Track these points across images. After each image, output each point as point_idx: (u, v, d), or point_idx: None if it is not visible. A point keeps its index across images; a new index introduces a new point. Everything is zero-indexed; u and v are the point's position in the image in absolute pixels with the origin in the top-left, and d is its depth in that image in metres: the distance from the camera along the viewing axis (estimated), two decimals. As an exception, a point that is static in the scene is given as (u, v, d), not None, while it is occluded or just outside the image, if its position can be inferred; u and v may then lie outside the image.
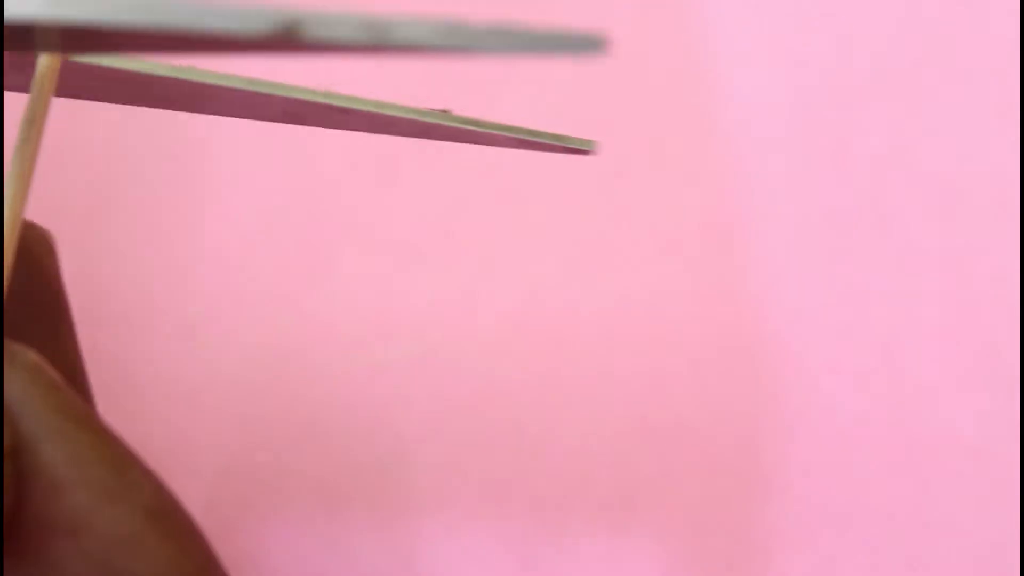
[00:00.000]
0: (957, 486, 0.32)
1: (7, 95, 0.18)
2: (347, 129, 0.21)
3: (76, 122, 0.35)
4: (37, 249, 0.20)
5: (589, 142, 0.21)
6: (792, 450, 0.32)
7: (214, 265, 0.34)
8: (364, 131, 0.21)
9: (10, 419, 0.16)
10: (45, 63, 0.17)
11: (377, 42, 0.12)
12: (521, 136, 0.20)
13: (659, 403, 0.33)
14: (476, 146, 0.36)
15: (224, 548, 0.34)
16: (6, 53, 0.17)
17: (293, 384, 0.34)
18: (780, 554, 0.32)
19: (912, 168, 0.36)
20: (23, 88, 0.18)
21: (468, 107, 0.36)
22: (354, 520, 0.31)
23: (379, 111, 0.19)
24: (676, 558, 0.32)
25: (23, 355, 0.16)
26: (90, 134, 0.36)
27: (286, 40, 0.12)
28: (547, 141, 0.20)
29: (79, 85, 0.19)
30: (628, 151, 0.36)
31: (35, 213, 0.34)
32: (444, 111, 0.20)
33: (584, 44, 0.12)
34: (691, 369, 0.33)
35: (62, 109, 0.36)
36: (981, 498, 0.32)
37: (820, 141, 0.36)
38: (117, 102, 0.20)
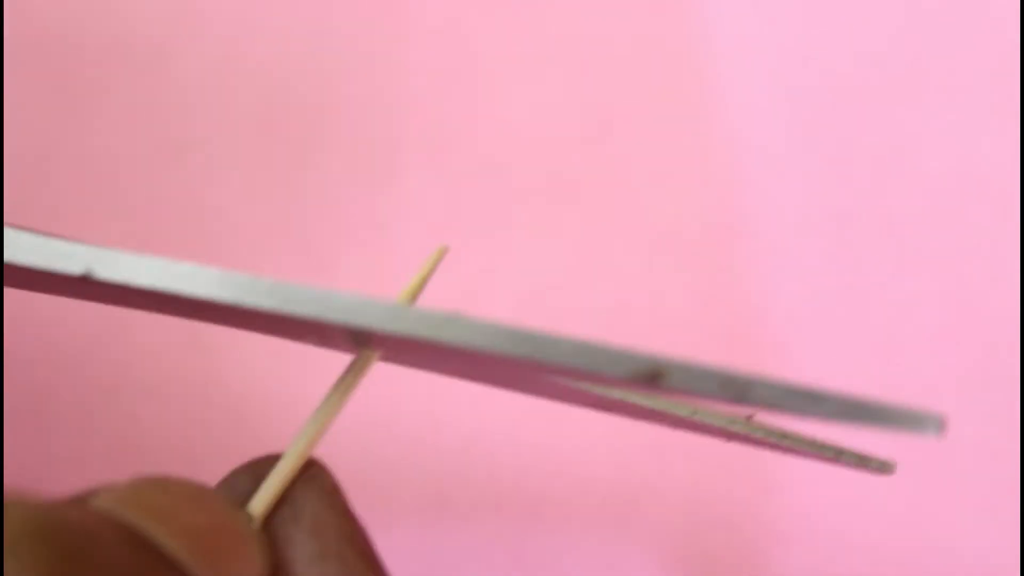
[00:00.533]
0: (957, 486, 0.31)
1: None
2: (650, 422, 0.22)
3: (75, 122, 0.37)
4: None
5: (889, 465, 0.21)
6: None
7: (213, 265, 0.34)
8: (666, 426, 0.22)
9: (312, 531, 0.17)
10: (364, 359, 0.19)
11: (735, 398, 0.13)
12: (826, 453, 0.20)
13: None
14: (476, 145, 0.35)
15: None
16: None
17: (293, 384, 0.34)
18: (779, 554, 0.29)
19: (912, 168, 0.35)
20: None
21: (462, 104, 0.35)
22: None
23: (691, 416, 0.20)
24: (676, 558, 0.30)
25: (324, 476, 0.18)
26: (89, 134, 0.36)
27: (649, 383, 0.14)
28: (851, 461, 0.21)
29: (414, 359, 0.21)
30: (628, 151, 0.35)
31: (33, 212, 0.35)
32: (749, 419, 0.21)
33: (920, 423, 0.13)
34: None
35: (63, 109, 0.38)
36: (981, 498, 0.31)
37: (820, 141, 0.35)
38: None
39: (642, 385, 0.14)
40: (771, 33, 0.38)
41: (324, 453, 0.36)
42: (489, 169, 0.36)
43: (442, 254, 0.20)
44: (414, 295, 0.20)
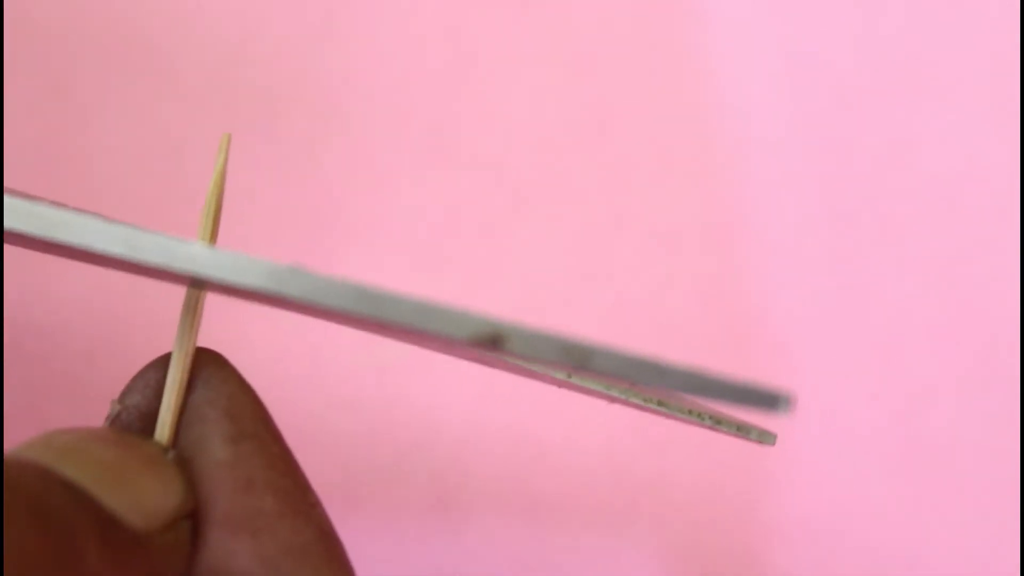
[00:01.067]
0: (957, 486, 0.31)
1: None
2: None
3: (75, 122, 0.36)
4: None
5: (769, 435, 0.21)
6: (791, 449, 0.31)
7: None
8: (550, 384, 0.22)
9: (231, 413, 0.17)
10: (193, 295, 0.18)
11: (577, 366, 0.13)
12: (704, 422, 0.20)
13: None
14: (477, 145, 0.35)
15: None
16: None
17: (293, 384, 0.34)
18: (780, 554, 0.30)
19: (912, 168, 0.35)
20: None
21: (461, 103, 0.35)
22: (355, 520, 0.31)
23: (569, 380, 0.20)
24: (676, 558, 0.30)
25: (232, 368, 0.18)
26: (89, 133, 0.36)
27: (490, 347, 0.13)
28: (729, 430, 0.20)
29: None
30: (627, 150, 0.35)
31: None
32: (631, 389, 0.20)
33: (770, 401, 0.12)
34: None
35: (62, 111, 0.37)
36: (981, 498, 0.31)
37: (820, 141, 0.35)
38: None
39: (484, 348, 0.13)
40: (771, 33, 0.38)
41: (323, 452, 0.36)
42: (489, 169, 0.36)
43: (227, 141, 0.19)
44: (217, 193, 0.19)
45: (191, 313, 0.18)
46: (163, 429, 0.18)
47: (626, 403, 0.21)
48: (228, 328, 0.34)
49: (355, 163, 0.36)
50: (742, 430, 0.20)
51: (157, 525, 0.16)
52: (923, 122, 0.36)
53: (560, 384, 0.21)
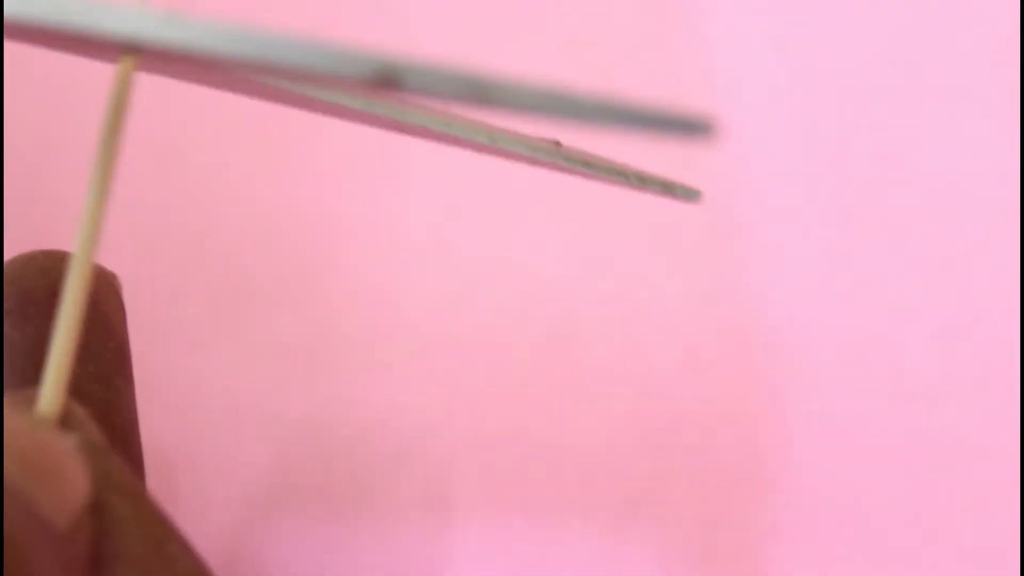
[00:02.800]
0: (957, 486, 0.32)
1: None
2: (448, 144, 0.21)
3: (73, 122, 0.36)
4: (102, 292, 0.19)
5: (695, 192, 0.20)
6: (792, 449, 0.32)
7: (214, 265, 0.34)
8: (467, 149, 0.21)
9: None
10: (125, 69, 0.16)
11: (479, 102, 0.12)
12: (631, 181, 0.19)
13: (659, 402, 0.32)
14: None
15: (223, 548, 0.34)
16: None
17: (293, 384, 0.34)
18: (780, 554, 0.31)
19: (912, 168, 0.35)
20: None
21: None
22: (355, 520, 0.31)
23: (492, 144, 0.19)
24: (676, 558, 0.31)
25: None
26: (87, 133, 0.36)
27: (386, 86, 0.12)
28: (656, 188, 0.20)
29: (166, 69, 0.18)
30: (628, 150, 0.36)
31: (29, 213, 0.35)
32: (556, 143, 0.20)
33: (690, 127, 0.12)
34: (691, 368, 0.33)
35: (60, 112, 0.37)
36: (981, 498, 0.32)
37: (820, 140, 0.35)
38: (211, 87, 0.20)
39: (380, 88, 0.12)
40: (771, 32, 0.37)
41: (324, 452, 0.35)
42: (489, 168, 0.34)
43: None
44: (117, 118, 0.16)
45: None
46: (55, 392, 0.15)
47: (553, 166, 0.20)
48: (228, 327, 0.33)
49: (357, 161, 0.35)
50: (668, 188, 0.20)
51: (72, 520, 0.14)
52: (923, 122, 0.35)
53: (481, 149, 0.20)
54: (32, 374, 0.16)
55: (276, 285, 0.34)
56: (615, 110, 0.12)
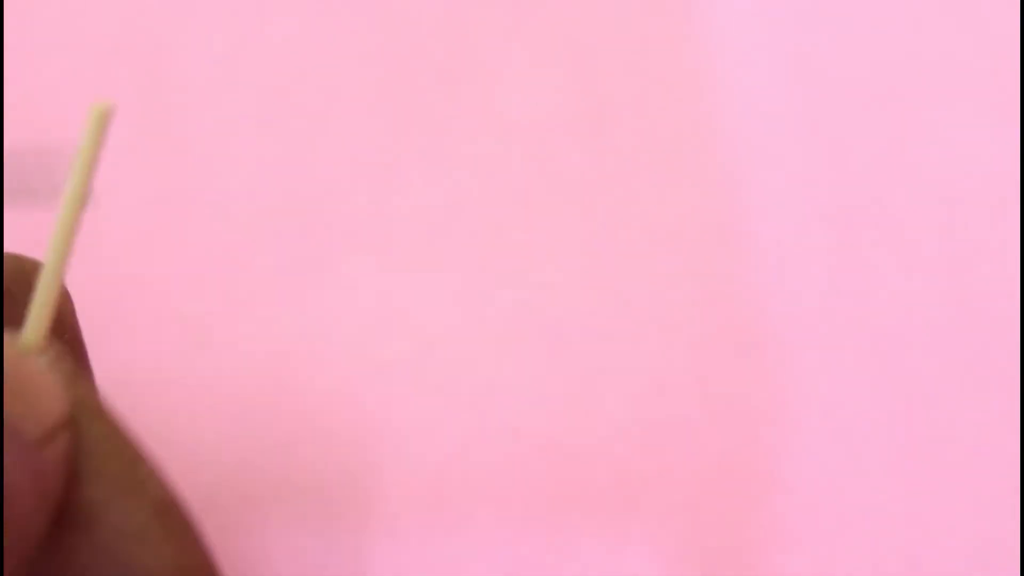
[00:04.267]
0: (957, 486, 0.32)
1: None
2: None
3: (69, 121, 0.36)
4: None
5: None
6: (792, 449, 0.32)
7: (213, 265, 0.34)
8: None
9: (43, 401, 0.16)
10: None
11: None
12: None
13: (659, 402, 0.32)
14: (479, 144, 0.36)
15: (222, 548, 0.34)
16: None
17: (294, 383, 0.34)
18: (780, 554, 0.31)
19: (912, 168, 0.35)
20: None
21: (461, 103, 0.36)
22: (355, 520, 0.31)
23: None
24: (676, 558, 0.31)
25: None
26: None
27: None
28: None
29: None
30: (627, 149, 0.35)
31: (28, 209, 0.35)
32: None
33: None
34: (691, 368, 0.33)
35: (58, 114, 0.37)
36: (981, 498, 0.31)
37: (820, 141, 0.35)
38: None
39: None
40: (772, 32, 0.37)
41: (324, 451, 0.35)
42: (489, 167, 0.35)
43: (105, 114, 0.17)
44: (87, 170, 0.17)
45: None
46: (37, 326, 0.17)
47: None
48: (228, 328, 0.33)
49: (357, 161, 0.35)
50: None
51: (44, 433, 0.15)
52: (923, 122, 0.35)
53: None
54: None
55: (276, 285, 0.34)
56: None
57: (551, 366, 0.33)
